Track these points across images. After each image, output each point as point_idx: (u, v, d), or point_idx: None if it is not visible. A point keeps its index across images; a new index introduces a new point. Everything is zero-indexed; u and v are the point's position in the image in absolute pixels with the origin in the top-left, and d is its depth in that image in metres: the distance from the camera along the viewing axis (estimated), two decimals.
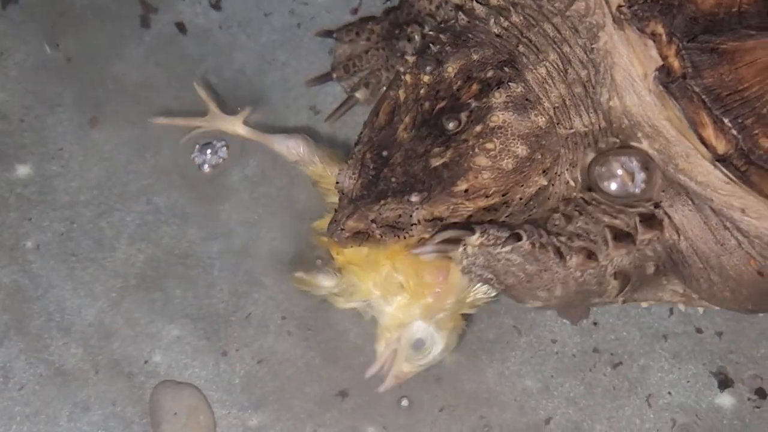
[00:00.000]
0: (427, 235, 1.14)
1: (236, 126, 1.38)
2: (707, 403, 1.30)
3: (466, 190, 1.11)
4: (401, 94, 1.15)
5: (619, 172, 1.13)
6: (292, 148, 1.34)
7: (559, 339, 1.33)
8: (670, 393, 1.30)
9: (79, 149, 1.42)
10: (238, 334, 1.33)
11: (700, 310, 1.30)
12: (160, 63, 1.47)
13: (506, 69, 1.12)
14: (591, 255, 1.13)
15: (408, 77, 1.15)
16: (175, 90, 1.45)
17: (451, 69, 1.13)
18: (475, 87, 1.11)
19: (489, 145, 1.10)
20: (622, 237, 1.14)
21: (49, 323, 1.34)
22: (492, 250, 1.12)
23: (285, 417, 1.30)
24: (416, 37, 1.31)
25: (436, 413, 1.31)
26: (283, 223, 1.38)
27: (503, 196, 1.12)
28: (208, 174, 1.41)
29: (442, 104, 1.12)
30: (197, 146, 1.41)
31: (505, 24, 1.15)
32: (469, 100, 1.11)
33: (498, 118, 1.10)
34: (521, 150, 1.10)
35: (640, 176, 1.13)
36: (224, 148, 1.41)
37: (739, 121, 1.05)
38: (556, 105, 1.12)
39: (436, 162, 1.10)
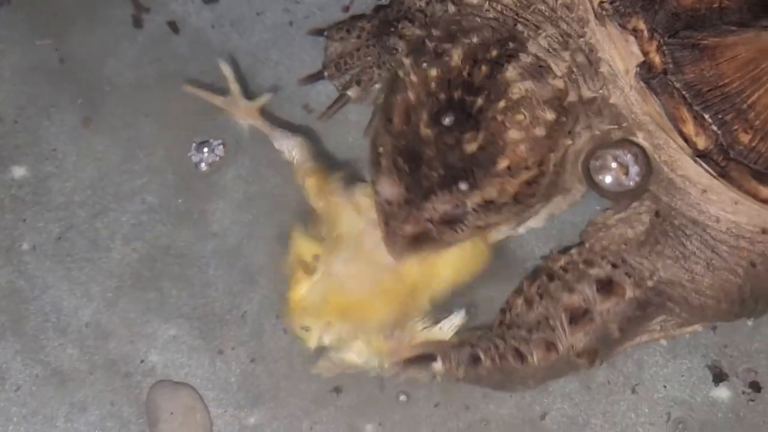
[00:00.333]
0: (481, 223, 1.13)
1: (251, 112, 1.35)
2: (702, 397, 1.31)
3: (508, 167, 1.10)
4: (411, 95, 1.13)
5: (614, 165, 1.13)
6: (289, 148, 1.33)
7: None
8: (665, 387, 1.31)
9: (73, 149, 1.42)
10: (234, 333, 1.33)
11: None
12: (152, 62, 1.47)
13: (509, 44, 1.11)
14: (550, 346, 1.17)
15: (413, 77, 1.13)
16: (168, 89, 1.45)
17: (456, 56, 1.12)
18: (485, 68, 1.10)
19: (519, 117, 1.09)
20: (579, 317, 1.16)
21: (45, 324, 1.34)
22: (458, 372, 1.19)
23: (281, 415, 1.30)
24: (407, 33, 1.30)
25: (431, 409, 1.31)
26: (277, 222, 1.38)
27: (540, 166, 1.11)
28: (203, 172, 1.41)
29: (458, 93, 1.11)
30: (194, 144, 1.41)
31: (499, 7, 1.14)
32: (483, 81, 1.10)
33: (519, 89, 1.09)
34: (549, 115, 1.10)
35: (634, 170, 1.13)
36: (221, 147, 1.41)
37: (720, 116, 1.06)
38: (565, 71, 1.12)
39: (471, 147, 1.09)
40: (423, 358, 1.19)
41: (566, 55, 1.12)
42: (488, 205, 1.12)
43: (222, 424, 1.30)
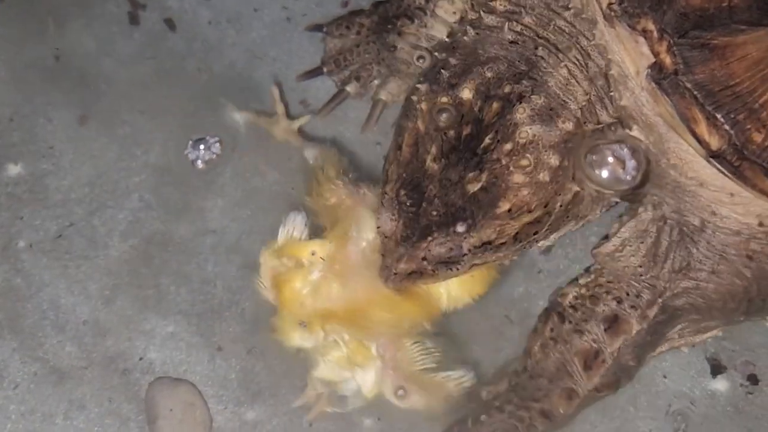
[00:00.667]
0: (479, 262, 1.14)
1: (292, 130, 1.37)
2: (701, 390, 1.31)
3: (509, 210, 1.10)
4: (420, 124, 1.12)
5: (610, 159, 1.12)
6: (315, 154, 1.33)
7: None
8: (664, 380, 1.31)
9: (70, 147, 1.42)
10: (233, 330, 1.33)
11: None
12: (149, 60, 1.47)
13: (524, 82, 1.10)
14: (571, 393, 1.19)
15: (424, 105, 1.13)
16: (164, 86, 1.45)
17: (467, 91, 1.11)
18: (496, 105, 1.10)
19: (523, 162, 1.09)
20: (592, 360, 1.18)
21: (42, 321, 1.34)
22: None
23: (281, 411, 1.30)
24: (407, 30, 1.31)
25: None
26: (275, 218, 1.37)
27: (545, 207, 1.11)
28: (201, 170, 1.41)
29: (468, 130, 1.10)
30: (190, 142, 1.41)
31: (518, 28, 1.13)
32: (493, 120, 1.09)
33: (527, 133, 1.09)
34: (554, 160, 1.09)
35: (631, 164, 1.12)
36: (217, 144, 1.41)
37: (732, 116, 1.05)
38: (583, 104, 1.11)
39: (473, 187, 1.09)
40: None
41: (586, 84, 1.12)
42: (485, 246, 1.12)
43: (222, 420, 1.30)
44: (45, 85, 1.45)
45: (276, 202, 1.39)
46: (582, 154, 1.12)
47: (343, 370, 1.23)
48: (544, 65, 1.12)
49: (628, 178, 1.13)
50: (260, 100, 1.44)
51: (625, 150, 1.12)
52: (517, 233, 1.12)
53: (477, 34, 1.14)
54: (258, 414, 1.30)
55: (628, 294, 1.18)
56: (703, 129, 1.06)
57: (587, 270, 1.24)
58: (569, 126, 1.10)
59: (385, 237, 1.13)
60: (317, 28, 1.44)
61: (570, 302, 1.20)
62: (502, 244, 1.12)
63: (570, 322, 1.19)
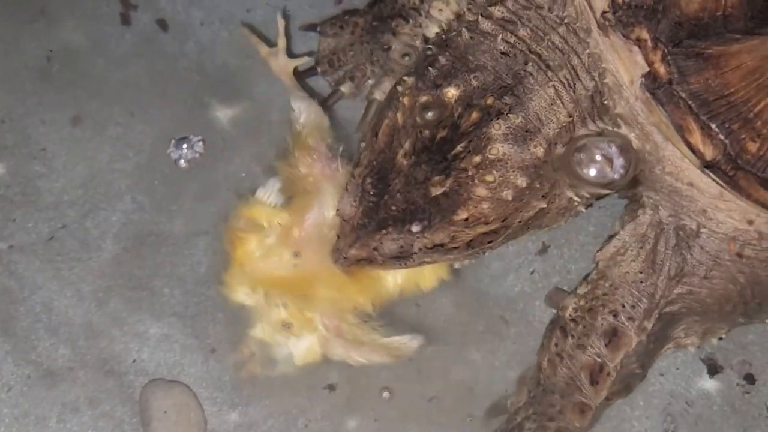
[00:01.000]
0: (429, 260, 1.15)
1: (288, 69, 1.34)
2: (697, 390, 1.31)
3: (466, 219, 1.10)
4: (399, 117, 1.12)
5: (598, 157, 1.11)
6: (302, 109, 1.31)
7: None
8: (660, 380, 1.31)
9: (62, 149, 1.41)
10: (227, 331, 1.33)
11: None
12: (141, 60, 1.46)
13: (506, 98, 1.09)
14: (584, 407, 1.19)
15: (406, 99, 1.12)
16: (157, 87, 1.44)
17: (450, 95, 1.10)
18: (475, 115, 1.09)
19: (488, 177, 1.08)
20: (597, 374, 1.18)
21: (36, 324, 1.33)
22: None
23: (276, 413, 1.30)
24: (401, 31, 1.30)
25: (425, 405, 1.31)
26: None
27: (503, 221, 1.12)
28: (184, 169, 1.40)
29: (443, 133, 1.10)
30: (173, 141, 1.41)
31: (512, 39, 1.12)
32: (469, 129, 1.09)
33: (498, 150, 1.08)
34: (521, 181, 1.09)
35: (619, 161, 1.11)
36: (200, 143, 1.41)
37: (726, 126, 1.05)
38: (564, 124, 1.11)
39: (436, 190, 1.09)
40: None
41: (570, 106, 1.11)
42: (437, 248, 1.12)
43: (216, 422, 1.30)
44: (37, 86, 1.44)
45: None
46: (570, 152, 1.12)
47: (278, 335, 1.25)
48: (531, 82, 1.11)
49: (616, 176, 1.12)
50: (253, 99, 1.43)
51: (613, 148, 1.12)
52: (471, 240, 1.12)
53: (471, 38, 1.13)
54: (252, 415, 1.30)
55: (623, 306, 1.18)
56: (697, 139, 1.06)
57: (586, 278, 1.23)
58: (539, 152, 1.10)
59: (343, 220, 1.14)
60: (311, 27, 1.44)
61: (570, 315, 1.21)
62: (454, 248, 1.13)
63: (572, 336, 1.19)
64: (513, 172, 1.09)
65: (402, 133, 1.12)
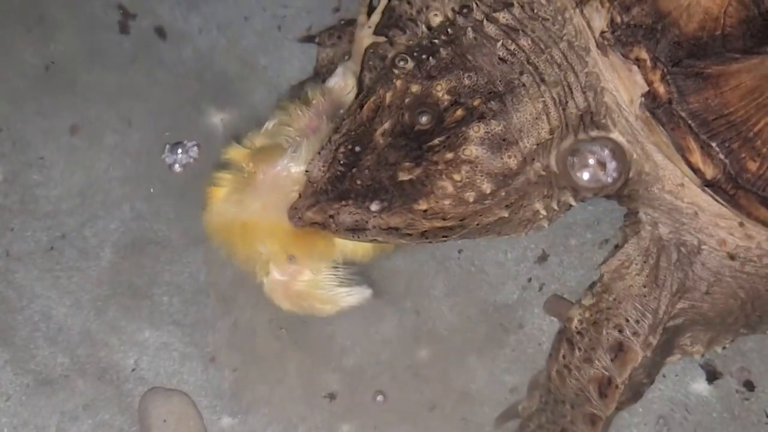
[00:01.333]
0: (381, 240, 1.14)
1: (364, 42, 1.30)
2: (696, 396, 1.31)
3: (425, 210, 1.10)
4: (388, 96, 1.13)
5: (591, 161, 1.12)
6: (340, 76, 1.28)
7: (547, 337, 1.33)
8: (659, 386, 1.31)
9: (60, 157, 1.41)
10: (226, 340, 1.33)
11: None
12: (139, 68, 1.46)
13: (492, 103, 1.10)
14: (594, 418, 1.19)
15: (399, 82, 1.13)
16: (155, 95, 1.44)
17: (440, 88, 1.11)
18: (460, 112, 1.10)
19: (456, 176, 1.09)
20: (605, 387, 1.18)
21: (34, 333, 1.33)
22: None
23: (276, 421, 1.30)
24: (398, 41, 1.30)
25: (426, 413, 1.31)
26: None
27: (461, 221, 1.12)
28: (179, 173, 1.40)
29: (424, 121, 1.11)
30: (167, 146, 1.41)
31: (512, 47, 1.13)
32: (451, 125, 1.09)
33: (471, 152, 1.08)
34: (486, 187, 1.09)
35: (612, 165, 1.12)
36: (195, 148, 1.41)
37: (726, 145, 1.05)
38: (543, 141, 1.11)
39: (403, 176, 1.09)
40: None
41: (555, 123, 1.11)
42: (391, 230, 1.12)
43: (215, 430, 1.30)
44: (35, 95, 1.44)
45: None
46: (564, 156, 1.12)
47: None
48: (523, 93, 1.11)
49: (609, 180, 1.12)
50: (252, 106, 1.43)
51: (606, 152, 1.12)
52: (426, 231, 1.13)
53: (474, 38, 1.14)
54: (252, 424, 1.30)
55: (628, 320, 1.18)
56: (697, 158, 1.06)
57: (591, 288, 1.23)
58: (512, 163, 1.10)
59: (309, 181, 1.14)
60: (309, 39, 1.44)
61: (576, 327, 1.20)
62: (408, 234, 1.13)
63: (579, 349, 1.19)
64: (480, 176, 1.09)
65: (385, 113, 1.12)
